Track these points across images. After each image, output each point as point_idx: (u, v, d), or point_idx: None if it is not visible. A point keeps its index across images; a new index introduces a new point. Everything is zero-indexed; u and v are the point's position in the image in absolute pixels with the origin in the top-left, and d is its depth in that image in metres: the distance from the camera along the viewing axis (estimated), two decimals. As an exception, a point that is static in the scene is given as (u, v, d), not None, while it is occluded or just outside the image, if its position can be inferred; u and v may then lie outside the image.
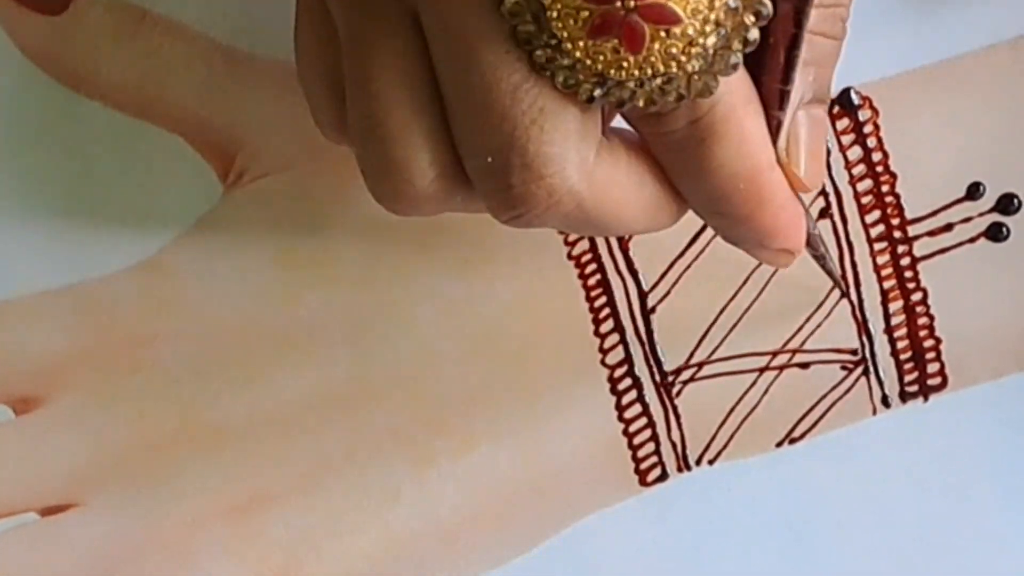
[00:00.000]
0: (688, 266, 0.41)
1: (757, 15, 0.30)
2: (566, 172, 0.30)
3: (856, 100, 0.41)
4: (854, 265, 0.41)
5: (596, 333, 0.41)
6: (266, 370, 0.41)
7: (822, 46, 0.32)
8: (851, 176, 0.41)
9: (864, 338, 0.41)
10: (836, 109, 0.41)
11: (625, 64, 0.30)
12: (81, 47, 0.41)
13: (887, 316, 0.41)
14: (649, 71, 0.30)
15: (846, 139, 0.41)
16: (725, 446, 0.41)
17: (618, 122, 0.33)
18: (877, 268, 0.41)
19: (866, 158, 0.41)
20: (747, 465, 0.41)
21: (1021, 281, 0.41)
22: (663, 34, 0.29)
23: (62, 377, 0.41)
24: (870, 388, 0.41)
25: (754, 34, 0.30)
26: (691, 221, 0.40)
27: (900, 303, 0.41)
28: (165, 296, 0.41)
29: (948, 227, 0.41)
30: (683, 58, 0.29)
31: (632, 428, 0.41)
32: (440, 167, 0.31)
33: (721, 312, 0.41)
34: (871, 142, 0.41)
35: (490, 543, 0.41)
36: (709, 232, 0.41)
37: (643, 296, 0.41)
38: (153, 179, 0.41)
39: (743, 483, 0.41)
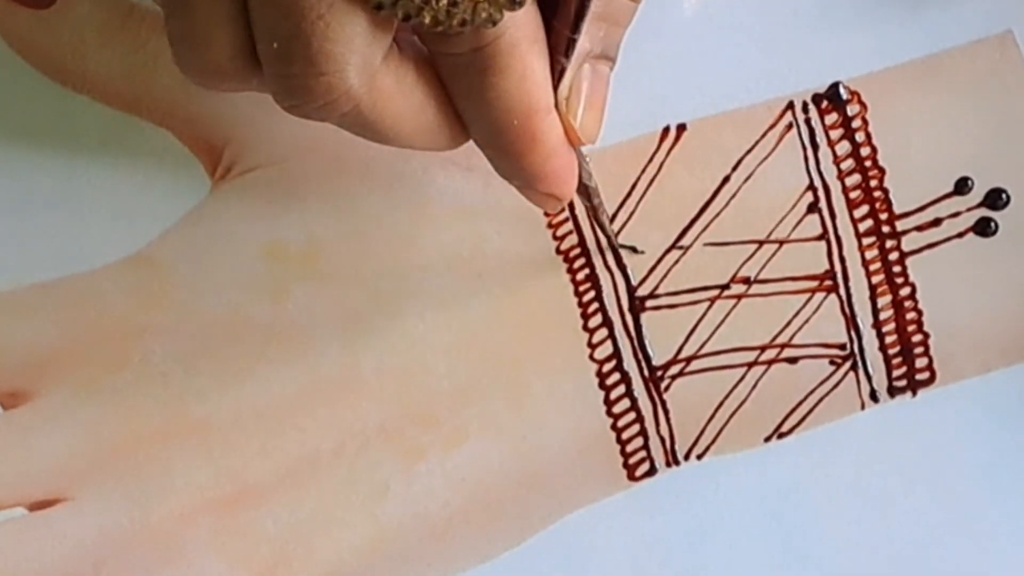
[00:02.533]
0: (676, 261, 0.41)
1: None
2: (346, 72, 0.30)
3: (845, 95, 0.41)
4: (842, 260, 0.41)
5: (585, 328, 0.41)
6: (254, 364, 0.41)
7: (619, 5, 0.32)
8: (840, 170, 0.41)
9: (852, 333, 0.41)
10: (825, 103, 0.41)
11: None
12: (68, 41, 0.41)
13: (875, 311, 0.41)
14: None
15: (835, 134, 0.41)
16: (713, 441, 0.41)
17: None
18: (866, 263, 0.41)
19: (855, 153, 0.41)
20: (735, 460, 0.41)
21: (1009, 276, 0.41)
22: None
23: (51, 371, 0.41)
24: (858, 383, 0.41)
25: None
26: (679, 217, 0.40)
27: (888, 298, 0.41)
28: (154, 290, 0.41)
29: (936, 222, 0.41)
30: None
31: (621, 423, 0.41)
32: (238, 46, 0.31)
33: (709, 307, 0.41)
34: (860, 137, 0.41)
35: (479, 538, 0.41)
36: (697, 227, 0.41)
37: (631, 291, 0.41)
38: (141, 173, 0.41)
39: (731, 478, 0.41)
